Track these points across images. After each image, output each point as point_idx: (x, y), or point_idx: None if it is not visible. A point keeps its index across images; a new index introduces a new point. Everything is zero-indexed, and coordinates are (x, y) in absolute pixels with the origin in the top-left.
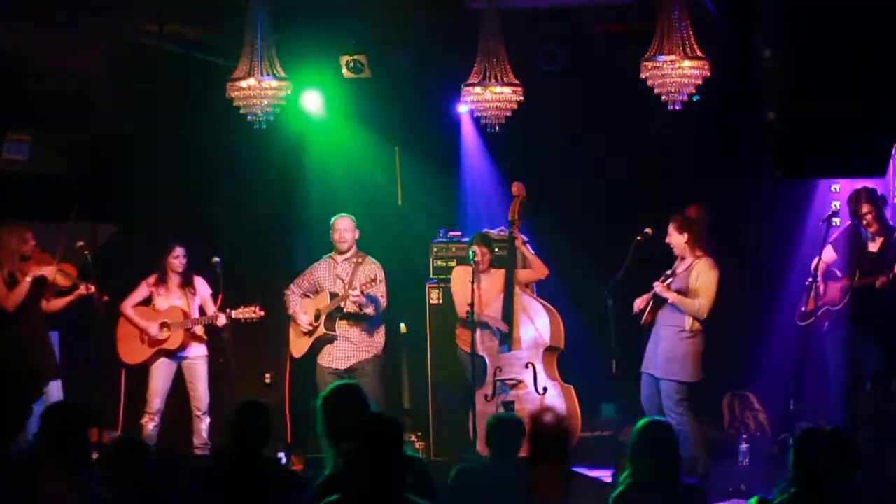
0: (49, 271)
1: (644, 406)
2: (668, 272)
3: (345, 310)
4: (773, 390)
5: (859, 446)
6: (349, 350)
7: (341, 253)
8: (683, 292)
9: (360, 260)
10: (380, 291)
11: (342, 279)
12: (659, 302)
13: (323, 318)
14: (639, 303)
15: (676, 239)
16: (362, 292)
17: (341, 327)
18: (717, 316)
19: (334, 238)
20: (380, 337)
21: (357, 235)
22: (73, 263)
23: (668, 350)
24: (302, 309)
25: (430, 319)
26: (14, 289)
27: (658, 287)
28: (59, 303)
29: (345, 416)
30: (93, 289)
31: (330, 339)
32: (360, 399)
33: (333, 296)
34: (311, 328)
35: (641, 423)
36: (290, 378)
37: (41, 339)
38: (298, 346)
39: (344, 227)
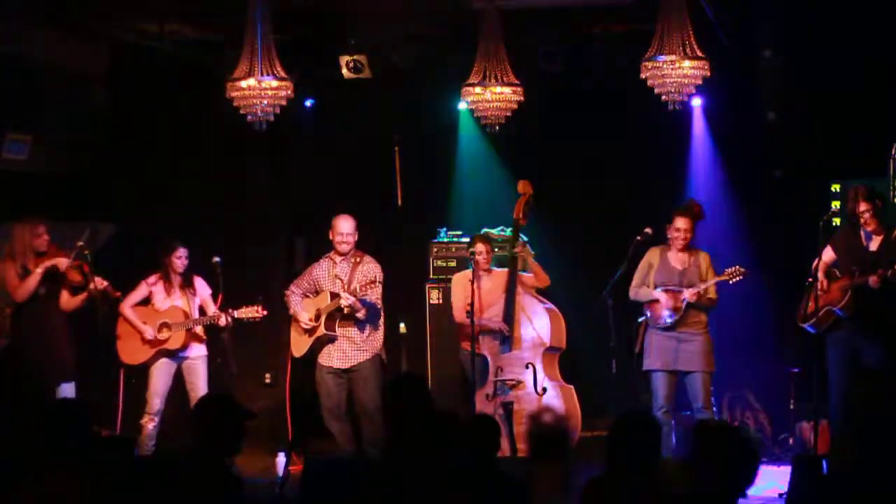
0: (61, 262)
1: (663, 404)
2: (684, 288)
3: (344, 311)
4: (773, 390)
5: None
6: (350, 350)
7: (340, 253)
8: (694, 284)
9: (358, 259)
10: (375, 294)
11: (341, 279)
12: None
13: (323, 317)
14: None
15: (688, 230)
16: (356, 296)
17: (342, 327)
18: (716, 316)
19: (334, 239)
20: (379, 335)
21: (356, 236)
22: (84, 262)
23: (700, 344)
24: (302, 308)
25: (430, 319)
26: (25, 279)
27: (689, 296)
28: (75, 301)
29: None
30: (105, 284)
31: (331, 339)
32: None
33: (334, 296)
34: (310, 326)
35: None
36: (291, 378)
37: (56, 339)
38: (299, 346)
39: (346, 230)
